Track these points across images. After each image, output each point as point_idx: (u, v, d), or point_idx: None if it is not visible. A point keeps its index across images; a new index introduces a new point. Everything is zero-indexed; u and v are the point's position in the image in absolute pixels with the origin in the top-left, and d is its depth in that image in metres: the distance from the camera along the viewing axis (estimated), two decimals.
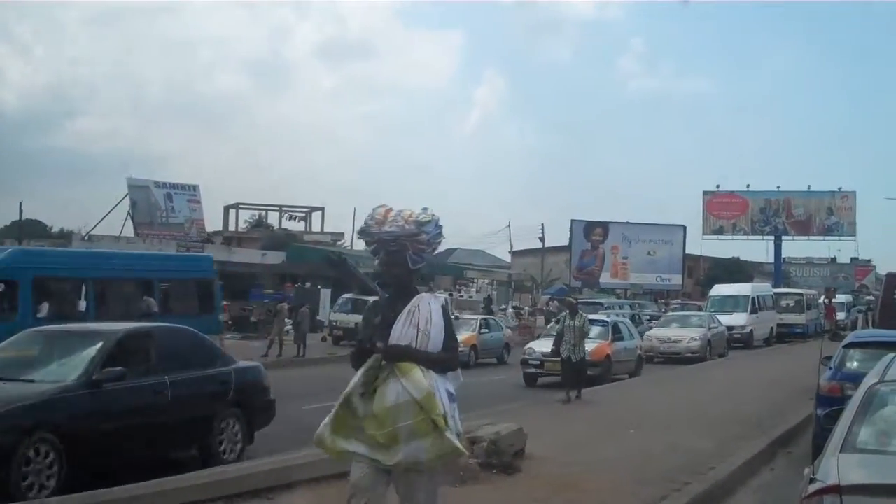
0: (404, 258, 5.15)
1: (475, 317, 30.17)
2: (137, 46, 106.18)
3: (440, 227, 5.22)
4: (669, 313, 38.79)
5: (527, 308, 51.71)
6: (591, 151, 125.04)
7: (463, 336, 22.65)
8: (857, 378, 7.19)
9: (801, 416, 13.48)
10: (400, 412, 4.79)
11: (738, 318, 36.62)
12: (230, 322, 31.00)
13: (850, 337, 13.15)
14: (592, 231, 64.22)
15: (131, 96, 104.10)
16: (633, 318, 32.07)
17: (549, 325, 29.34)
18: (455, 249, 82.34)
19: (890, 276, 23.48)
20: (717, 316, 35.06)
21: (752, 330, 37.01)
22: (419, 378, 4.84)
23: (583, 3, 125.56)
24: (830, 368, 11.26)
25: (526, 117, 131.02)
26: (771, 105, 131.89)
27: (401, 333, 4.99)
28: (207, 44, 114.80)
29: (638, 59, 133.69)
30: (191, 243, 47.05)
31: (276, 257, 48.65)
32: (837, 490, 4.38)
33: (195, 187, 56.04)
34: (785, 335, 39.96)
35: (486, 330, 28.28)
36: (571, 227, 63.70)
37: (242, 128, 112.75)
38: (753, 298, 38.27)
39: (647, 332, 31.50)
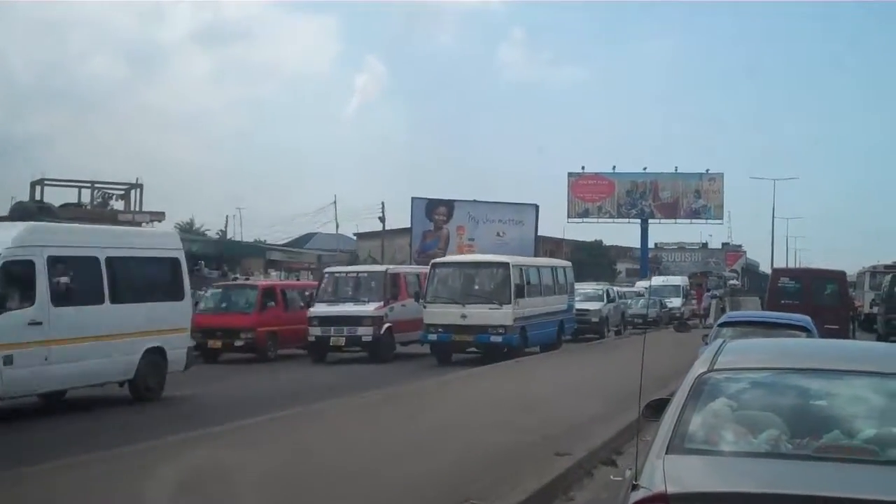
0: None
1: None
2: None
3: None
4: None
5: None
6: (462, 138, 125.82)
7: None
8: None
9: None
10: None
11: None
12: None
13: (725, 317, 14.93)
14: (435, 210, 58.96)
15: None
16: None
17: None
18: (314, 234, 77.44)
19: (775, 271, 32.48)
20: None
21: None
22: None
23: None
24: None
25: (398, 104, 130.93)
26: (642, 91, 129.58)
27: None
28: (79, 26, 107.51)
29: (514, 46, 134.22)
30: None
31: None
32: (664, 499, 3.80)
33: None
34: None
35: None
36: (412, 206, 57.59)
37: (111, 112, 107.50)
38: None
39: None
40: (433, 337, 22.78)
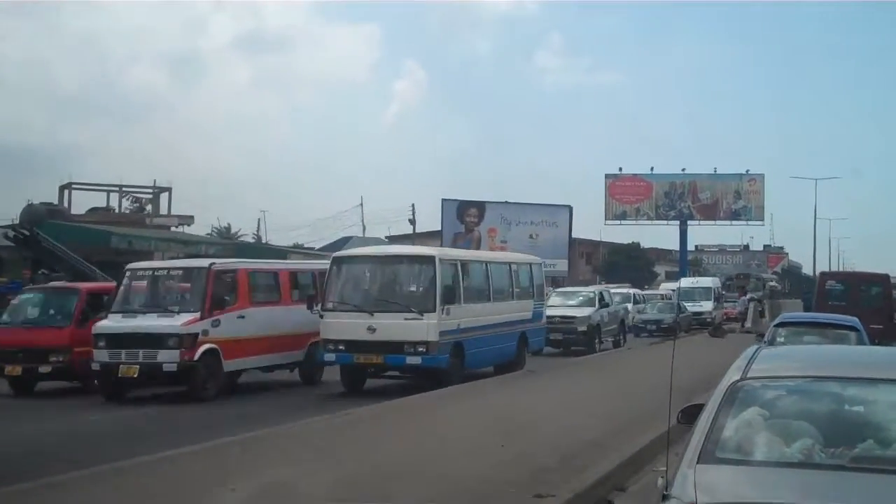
0: None
1: None
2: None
3: None
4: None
5: None
6: (499, 142, 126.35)
7: None
8: None
9: None
10: None
11: None
12: None
13: (780, 317, 15.64)
14: (466, 212, 57.63)
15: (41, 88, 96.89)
16: None
17: None
18: (350, 237, 76.48)
19: (822, 274, 33.20)
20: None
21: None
22: None
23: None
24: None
25: (436, 109, 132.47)
26: (680, 93, 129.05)
27: None
28: (122, 36, 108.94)
29: (553, 53, 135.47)
30: None
31: None
32: None
33: None
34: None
35: None
36: (442, 208, 56.15)
37: (156, 121, 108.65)
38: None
39: None
40: (330, 357, 17.14)
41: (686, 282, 46.81)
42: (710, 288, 43.90)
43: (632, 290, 43.06)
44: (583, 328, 26.93)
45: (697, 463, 4.15)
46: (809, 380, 4.88)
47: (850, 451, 4.18)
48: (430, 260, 17.63)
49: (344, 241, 78.83)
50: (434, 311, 16.74)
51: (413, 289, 17.98)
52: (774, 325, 14.22)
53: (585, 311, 27.52)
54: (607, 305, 29.00)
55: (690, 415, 5.11)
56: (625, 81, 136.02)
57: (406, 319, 16.69)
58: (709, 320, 39.11)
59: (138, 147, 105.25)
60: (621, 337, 30.58)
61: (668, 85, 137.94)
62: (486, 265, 20.43)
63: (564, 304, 27.95)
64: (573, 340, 26.72)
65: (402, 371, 17.60)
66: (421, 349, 16.55)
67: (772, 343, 11.92)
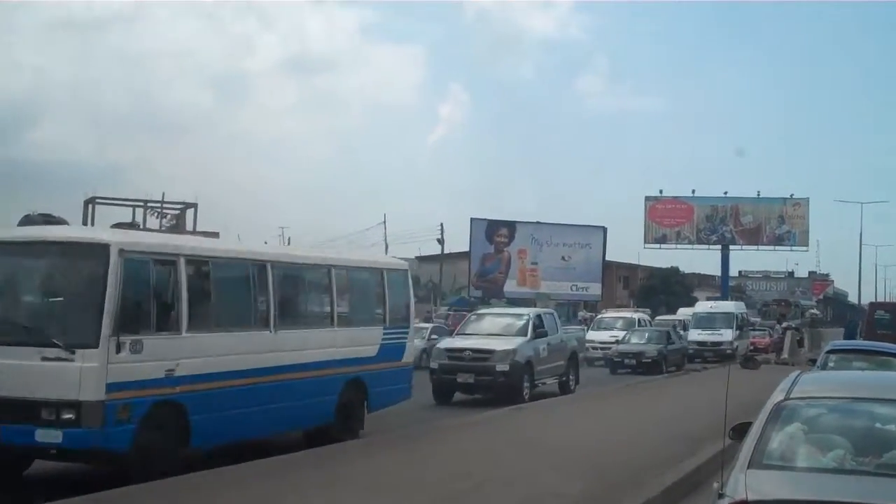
0: None
1: None
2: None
3: None
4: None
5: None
6: (541, 165, 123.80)
7: None
8: None
9: None
10: None
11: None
12: None
13: (830, 345, 16.85)
14: (496, 232, 55.92)
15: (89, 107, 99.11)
16: None
17: None
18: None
19: (872, 304, 35.47)
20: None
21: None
22: None
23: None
24: None
25: (478, 132, 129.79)
26: (722, 116, 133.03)
27: None
28: (168, 55, 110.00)
29: (595, 76, 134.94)
30: None
31: None
32: None
33: None
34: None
35: None
36: (471, 227, 54.24)
37: (201, 140, 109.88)
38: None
39: None
40: None
41: (703, 306, 41.47)
42: (731, 314, 38.26)
43: (636, 315, 40.72)
44: (503, 368, 19.25)
45: (748, 468, 4.97)
46: (844, 400, 5.72)
47: (878, 460, 4.97)
48: (96, 252, 9.78)
49: None
50: (97, 345, 9.33)
51: (63, 304, 10.34)
52: (826, 352, 15.36)
53: (508, 344, 19.88)
54: (543, 336, 20.96)
55: (741, 431, 5.71)
56: (667, 105, 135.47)
57: (43, 360, 9.31)
58: (728, 352, 34.61)
59: (180, 164, 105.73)
60: (571, 377, 22.02)
61: (711, 109, 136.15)
62: (260, 269, 12.12)
63: (481, 334, 21.05)
64: (491, 385, 19.49)
65: (38, 455, 10.04)
66: (67, 416, 9.18)
67: (823, 368, 13.39)
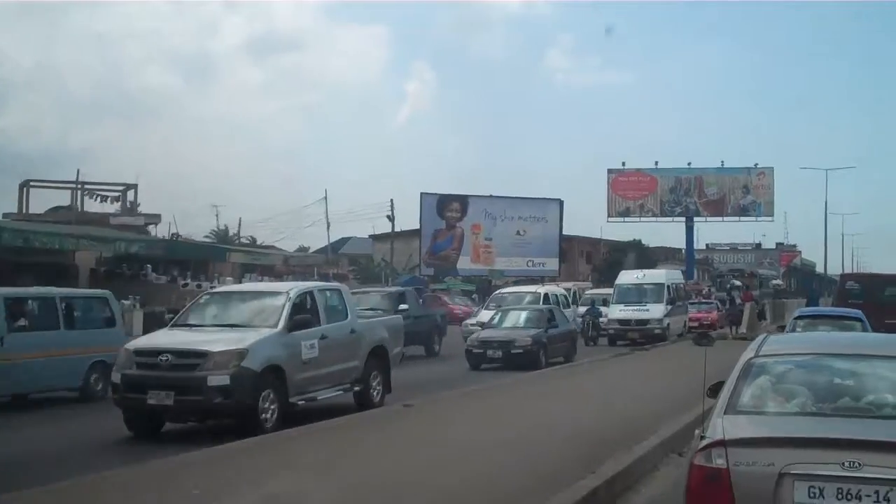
0: None
1: None
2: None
3: None
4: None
5: None
6: (500, 139, 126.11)
7: None
8: None
9: None
10: None
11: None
12: None
13: (798, 311, 19.35)
14: (447, 206, 53.88)
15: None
16: None
17: None
18: (349, 238, 73.38)
19: (843, 276, 38.10)
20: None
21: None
22: None
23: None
24: None
25: (444, 109, 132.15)
26: (687, 89, 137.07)
27: None
28: (133, 38, 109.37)
29: (562, 53, 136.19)
30: None
31: None
32: (723, 444, 5.34)
33: None
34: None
35: None
36: (421, 202, 51.86)
37: (167, 123, 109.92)
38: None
39: None
40: None
41: (627, 276, 33.81)
42: (661, 285, 32.05)
43: (542, 290, 32.17)
44: (220, 380, 11.90)
45: (724, 414, 5.74)
46: (808, 356, 6.44)
47: (833, 404, 5.81)
48: None
49: (343, 242, 74.90)
50: None
51: None
52: (794, 318, 17.09)
53: (240, 342, 12.43)
54: (317, 323, 13.72)
55: (716, 390, 6.45)
56: (631, 79, 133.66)
57: None
58: (658, 331, 29.84)
59: (146, 146, 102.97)
60: (375, 384, 14.96)
61: (676, 82, 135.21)
62: None
63: (206, 325, 13.39)
64: (196, 407, 12.25)
65: None
66: None
67: (792, 332, 14.66)
